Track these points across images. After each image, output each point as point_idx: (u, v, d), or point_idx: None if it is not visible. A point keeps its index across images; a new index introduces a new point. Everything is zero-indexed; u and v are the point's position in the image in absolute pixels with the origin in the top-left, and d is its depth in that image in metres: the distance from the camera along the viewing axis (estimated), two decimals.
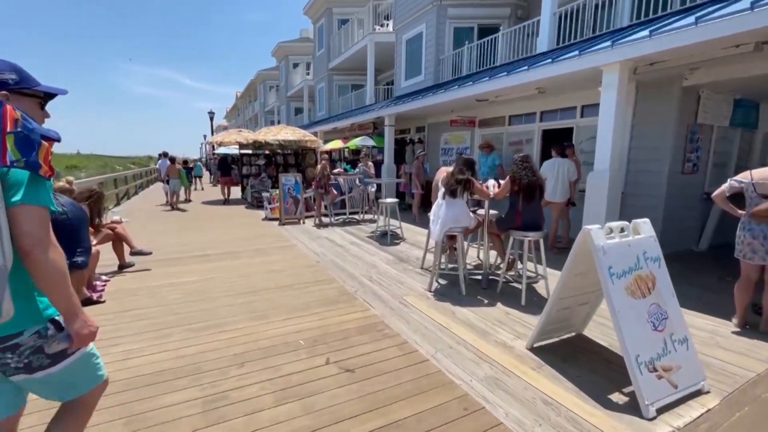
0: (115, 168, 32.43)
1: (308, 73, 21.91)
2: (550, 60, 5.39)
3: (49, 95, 1.35)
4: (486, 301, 3.80)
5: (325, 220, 8.25)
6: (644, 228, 2.54)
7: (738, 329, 3.17)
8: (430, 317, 3.41)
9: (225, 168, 14.19)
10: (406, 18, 11.02)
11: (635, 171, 5.63)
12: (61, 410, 1.44)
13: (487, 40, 8.66)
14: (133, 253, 4.87)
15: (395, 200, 6.61)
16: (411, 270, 4.88)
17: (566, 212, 5.69)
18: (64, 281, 1.19)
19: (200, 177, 18.38)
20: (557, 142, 5.94)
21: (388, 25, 14.90)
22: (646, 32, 4.14)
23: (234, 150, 23.81)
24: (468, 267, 4.57)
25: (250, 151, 13.23)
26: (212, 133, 23.37)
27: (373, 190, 9.04)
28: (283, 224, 8.10)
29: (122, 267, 4.72)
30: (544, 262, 3.86)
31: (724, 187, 3.14)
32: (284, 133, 10.99)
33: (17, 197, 1.09)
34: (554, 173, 5.49)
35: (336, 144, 12.92)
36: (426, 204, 9.35)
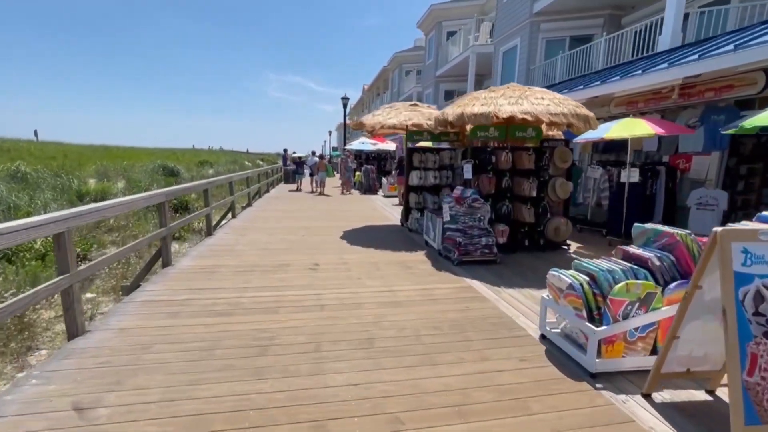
0: (244, 164, 31.03)
1: (477, 37, 15.54)
2: None
3: None
4: None
5: None
6: None
7: None
8: None
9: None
10: None
11: None
12: None
13: None
14: None
15: None
16: None
17: None
18: None
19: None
20: None
21: None
22: None
23: (367, 146, 18.60)
24: None
25: (426, 145, 7.36)
26: (345, 121, 18.52)
27: None
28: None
29: None
30: None
31: None
32: (535, 102, 4.61)
33: None
34: None
35: (634, 127, 5.63)
36: None
